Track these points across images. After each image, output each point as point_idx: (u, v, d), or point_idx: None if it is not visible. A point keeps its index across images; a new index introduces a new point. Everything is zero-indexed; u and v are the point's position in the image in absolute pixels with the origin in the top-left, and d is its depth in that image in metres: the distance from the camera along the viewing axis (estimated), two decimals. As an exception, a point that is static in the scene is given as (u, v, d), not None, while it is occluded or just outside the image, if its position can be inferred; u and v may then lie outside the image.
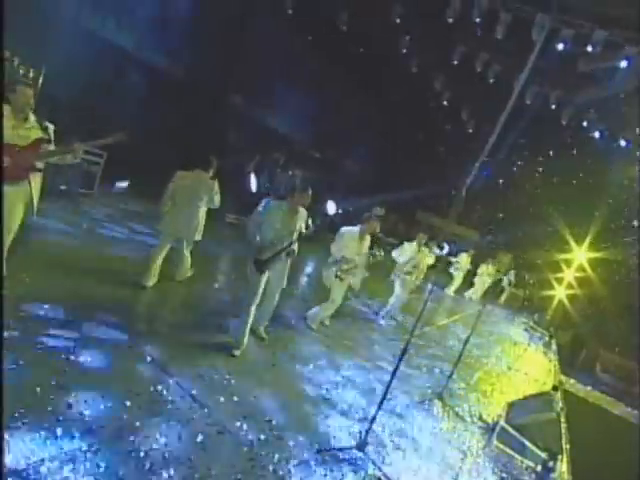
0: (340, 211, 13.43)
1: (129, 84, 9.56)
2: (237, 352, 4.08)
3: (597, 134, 13.40)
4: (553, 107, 12.78)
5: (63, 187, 6.98)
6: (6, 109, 3.33)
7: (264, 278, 4.10)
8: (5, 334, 3.05)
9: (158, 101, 9.75)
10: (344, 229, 5.30)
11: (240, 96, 12.62)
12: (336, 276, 5.21)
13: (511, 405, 4.83)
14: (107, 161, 7.73)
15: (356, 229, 5.31)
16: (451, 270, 12.47)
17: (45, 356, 3.02)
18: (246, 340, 4.19)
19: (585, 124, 12.82)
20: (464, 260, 12.44)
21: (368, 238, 5.44)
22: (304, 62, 13.19)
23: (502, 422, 4.40)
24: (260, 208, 4.08)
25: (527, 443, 4.19)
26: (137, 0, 9.32)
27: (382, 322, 7.02)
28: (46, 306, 3.62)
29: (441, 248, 11.28)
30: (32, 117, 3.49)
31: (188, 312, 4.74)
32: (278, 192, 9.09)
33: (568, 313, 13.58)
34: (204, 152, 10.82)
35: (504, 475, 3.81)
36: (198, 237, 5.18)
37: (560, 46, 9.36)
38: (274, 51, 12.04)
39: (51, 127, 3.60)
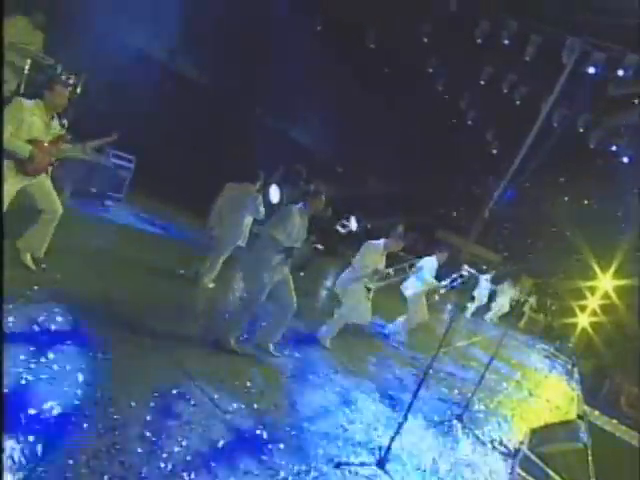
0: (358, 227, 13.41)
1: (159, 93, 9.79)
2: (234, 346, 4.07)
3: (626, 159, 13.15)
4: (581, 130, 12.64)
5: (94, 190, 7.15)
6: (40, 106, 3.49)
7: (274, 277, 4.05)
8: (49, 326, 3.12)
9: (187, 110, 9.98)
10: (369, 242, 5.28)
11: (265, 109, 12.84)
12: (368, 289, 5.15)
13: (534, 432, 4.67)
14: (137, 166, 7.91)
15: (380, 243, 5.28)
16: (475, 293, 12.19)
17: (75, 352, 3.07)
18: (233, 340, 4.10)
19: (614, 148, 12.60)
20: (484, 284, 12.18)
21: (384, 255, 5.37)
22: (330, 78, 13.36)
23: (525, 449, 4.26)
24: (283, 213, 4.10)
25: (551, 473, 4.03)
26: (171, 14, 9.63)
27: (395, 342, 6.80)
28: (67, 306, 3.69)
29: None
30: (56, 117, 3.67)
31: (211, 317, 4.76)
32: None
33: (591, 341, 13.17)
34: (230, 161, 10.98)
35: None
36: (242, 244, 5.48)
37: (591, 70, 9.26)
38: (301, 67, 12.23)
39: (66, 123, 3.78)
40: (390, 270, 5.30)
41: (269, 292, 4.06)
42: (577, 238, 13.43)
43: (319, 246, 4.35)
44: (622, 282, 13.01)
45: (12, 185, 3.48)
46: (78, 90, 6.16)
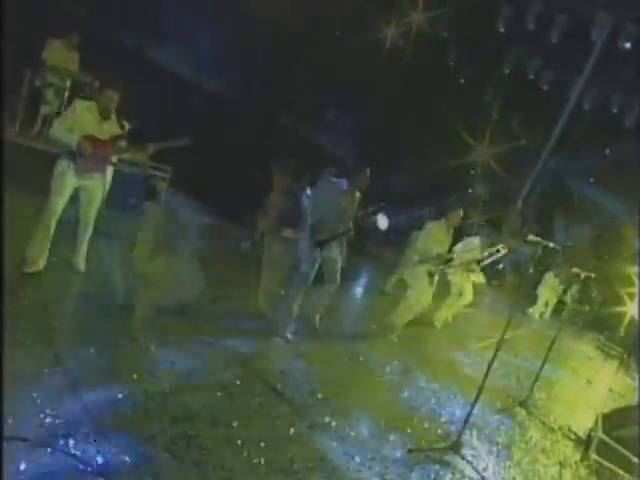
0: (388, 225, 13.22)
1: (188, 105, 10.00)
2: (290, 336, 4.03)
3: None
4: (615, 111, 12.19)
5: (131, 200, 7.31)
6: (93, 106, 3.59)
7: (317, 261, 3.98)
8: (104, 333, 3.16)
9: (216, 122, 10.14)
10: (430, 223, 5.08)
11: (292, 114, 12.92)
12: (430, 275, 4.91)
13: (606, 417, 4.41)
14: (174, 177, 8.06)
15: (442, 222, 5.05)
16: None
17: (135, 352, 3.08)
18: (292, 325, 4.09)
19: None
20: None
21: (451, 232, 5.15)
22: (350, 81, 13.36)
23: (599, 434, 4.02)
24: (316, 188, 4.04)
25: (630, 456, 3.79)
26: (195, 30, 9.85)
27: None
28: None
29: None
30: (113, 116, 3.75)
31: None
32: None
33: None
34: (259, 168, 11.03)
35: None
36: None
37: (627, 45, 8.90)
38: (324, 70, 12.29)
39: (127, 125, 3.84)
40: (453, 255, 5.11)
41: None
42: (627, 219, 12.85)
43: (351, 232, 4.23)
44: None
45: (68, 184, 3.55)
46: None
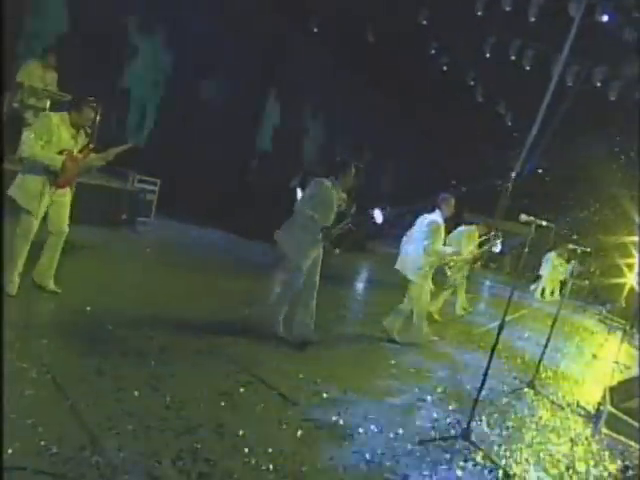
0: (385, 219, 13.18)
1: (178, 116, 9.90)
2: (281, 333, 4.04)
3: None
4: (598, 85, 12.17)
5: (124, 216, 7.23)
6: (66, 119, 3.51)
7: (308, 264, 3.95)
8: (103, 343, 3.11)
9: (203, 130, 10.04)
10: (429, 219, 4.78)
11: (280, 111, 12.86)
12: (450, 267, 4.86)
13: (614, 390, 4.40)
14: (162, 189, 7.98)
15: (438, 218, 4.76)
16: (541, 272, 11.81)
17: (136, 360, 3.03)
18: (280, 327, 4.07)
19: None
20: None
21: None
22: (338, 76, 13.31)
23: (608, 407, 4.00)
24: (312, 188, 3.95)
25: (642, 427, 3.77)
26: (196, 39, 9.73)
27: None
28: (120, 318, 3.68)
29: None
30: (82, 132, 3.67)
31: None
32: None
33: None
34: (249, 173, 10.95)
35: (627, 463, 3.42)
36: None
37: (604, 18, 8.87)
38: (312, 66, 12.25)
39: (89, 131, 3.79)
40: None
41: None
42: (615, 189, 12.83)
43: (353, 227, 4.18)
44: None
45: (45, 203, 3.48)
46: (98, 118, 6.25)
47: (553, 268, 11.94)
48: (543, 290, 12.05)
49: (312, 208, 3.86)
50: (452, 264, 4.99)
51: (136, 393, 2.66)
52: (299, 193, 10.07)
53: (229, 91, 11.25)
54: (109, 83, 9.15)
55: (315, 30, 12.51)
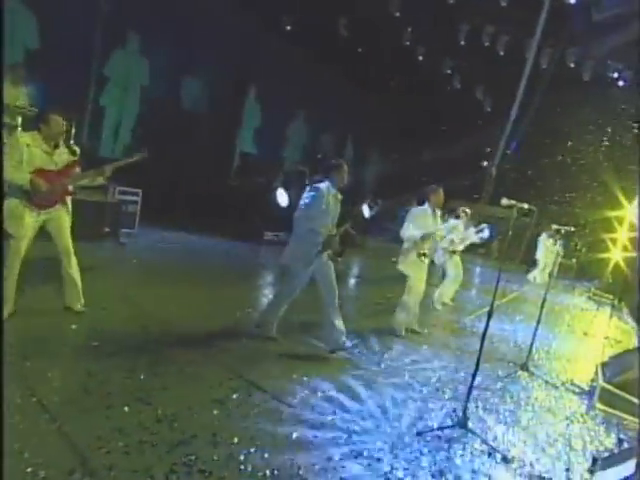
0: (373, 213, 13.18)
1: (155, 124, 9.76)
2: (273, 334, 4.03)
3: (621, 82, 12.75)
4: (572, 65, 12.31)
5: (107, 229, 7.11)
6: (37, 137, 3.42)
7: (314, 268, 3.85)
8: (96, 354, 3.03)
9: (181, 135, 9.92)
10: (413, 209, 4.95)
11: (260, 112, 12.78)
12: (419, 255, 4.76)
13: (605, 365, 4.44)
14: (144, 198, 7.86)
15: (425, 206, 4.90)
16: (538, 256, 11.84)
17: (125, 375, 2.97)
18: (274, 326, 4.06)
19: (614, 75, 12.19)
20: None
21: (439, 214, 5.04)
22: (315, 72, 13.25)
23: (601, 383, 4.04)
24: (308, 197, 3.81)
25: (635, 400, 3.81)
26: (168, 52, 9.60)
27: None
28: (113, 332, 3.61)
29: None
30: (61, 144, 3.59)
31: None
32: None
33: (631, 275, 12.66)
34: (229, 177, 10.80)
35: (621, 436, 3.45)
36: None
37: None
38: (288, 65, 12.17)
39: (77, 150, 3.69)
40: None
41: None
42: (595, 168, 13.00)
43: (352, 231, 4.04)
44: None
45: (29, 224, 3.40)
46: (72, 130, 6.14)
47: (546, 249, 12.02)
48: (541, 273, 12.08)
49: (310, 218, 3.74)
50: (426, 250, 4.91)
51: (126, 409, 2.61)
52: (281, 194, 9.94)
53: (206, 95, 11.16)
54: (83, 95, 9.01)
55: (288, 28, 12.46)
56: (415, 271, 4.86)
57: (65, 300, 3.78)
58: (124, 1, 8.63)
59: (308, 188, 3.86)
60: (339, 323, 3.94)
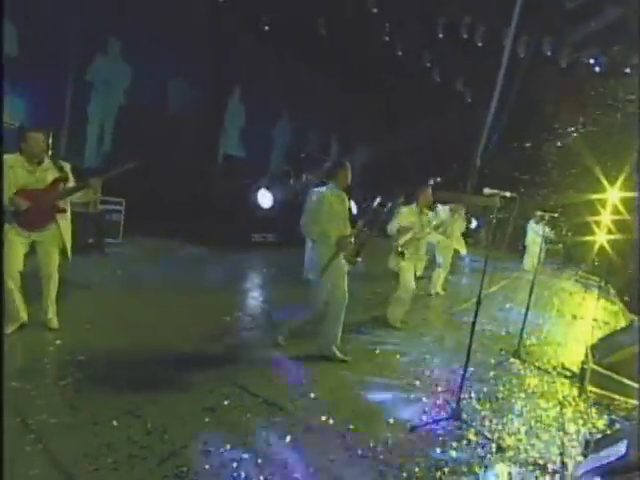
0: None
1: (136, 131, 9.60)
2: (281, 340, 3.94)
3: (597, 68, 12.92)
4: (549, 54, 12.43)
5: (91, 240, 6.99)
6: (19, 158, 3.34)
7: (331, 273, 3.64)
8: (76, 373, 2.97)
9: (163, 141, 9.79)
10: (402, 208, 4.98)
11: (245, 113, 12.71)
12: (398, 253, 4.74)
13: (594, 346, 4.48)
14: (127, 207, 7.75)
15: (413, 206, 5.00)
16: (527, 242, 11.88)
17: (112, 390, 2.91)
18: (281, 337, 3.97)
19: (589, 60, 12.33)
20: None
21: (428, 213, 5.10)
22: (296, 72, 13.19)
23: (591, 365, 4.07)
24: (311, 202, 3.64)
25: (625, 380, 3.84)
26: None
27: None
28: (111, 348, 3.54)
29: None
30: (47, 159, 3.50)
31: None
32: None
33: (616, 257, 12.84)
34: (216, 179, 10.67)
35: (613, 417, 3.48)
36: None
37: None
38: (268, 65, 12.09)
39: (67, 166, 3.59)
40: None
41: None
42: (578, 153, 13.13)
43: (366, 229, 3.93)
44: (628, 195, 12.61)
45: (19, 246, 3.34)
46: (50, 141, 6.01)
47: (534, 235, 12.11)
48: (532, 260, 12.16)
49: (318, 222, 3.56)
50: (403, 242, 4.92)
51: (115, 423, 2.55)
52: (263, 194, 9.79)
53: (189, 99, 11.03)
54: (64, 103, 8.85)
55: (266, 28, 12.37)
56: (404, 269, 4.89)
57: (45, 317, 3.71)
58: (104, 6, 8.47)
59: (310, 193, 3.71)
60: (338, 330, 3.82)
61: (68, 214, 3.59)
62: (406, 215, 4.92)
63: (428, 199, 5.05)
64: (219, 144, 12.01)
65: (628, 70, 12.53)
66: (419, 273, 6.73)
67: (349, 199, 3.87)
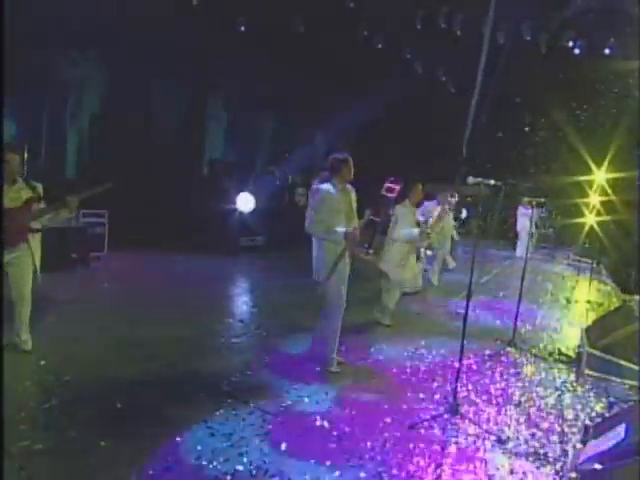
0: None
1: (115, 140, 9.45)
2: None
3: (577, 50, 13.02)
4: (528, 39, 12.49)
5: (74, 255, 6.85)
6: None
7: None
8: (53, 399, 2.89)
9: (144, 150, 9.65)
10: (399, 208, 4.87)
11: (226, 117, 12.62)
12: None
13: (589, 330, 4.48)
14: (111, 219, 7.62)
15: (406, 203, 4.89)
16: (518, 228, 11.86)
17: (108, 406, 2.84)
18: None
19: (569, 44, 12.41)
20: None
21: (414, 211, 5.03)
22: (276, 71, 13.07)
23: (586, 349, 4.07)
24: (314, 201, 3.52)
25: (622, 362, 3.85)
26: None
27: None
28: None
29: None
30: (20, 179, 3.46)
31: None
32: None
33: (607, 238, 12.96)
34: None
35: (611, 399, 3.48)
36: None
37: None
38: (247, 66, 11.96)
39: (39, 186, 3.52)
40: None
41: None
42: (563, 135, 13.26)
43: (375, 218, 3.79)
44: (616, 175, 12.74)
45: None
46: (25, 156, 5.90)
47: (524, 221, 12.15)
48: (523, 245, 12.22)
49: (324, 220, 3.42)
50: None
51: (102, 443, 2.48)
52: (244, 198, 9.64)
53: (169, 105, 10.89)
54: (40, 118, 8.70)
55: (242, 29, 12.27)
56: (397, 270, 4.83)
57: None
58: (75, 16, 8.27)
59: (313, 191, 3.57)
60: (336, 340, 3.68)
61: (39, 235, 3.52)
62: (407, 215, 4.85)
63: (419, 196, 5.00)
64: (203, 149, 11.88)
65: (607, 51, 12.66)
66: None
67: (356, 192, 3.70)
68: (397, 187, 5.04)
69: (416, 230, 4.82)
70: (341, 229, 3.45)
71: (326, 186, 3.53)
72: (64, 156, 9.37)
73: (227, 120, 12.76)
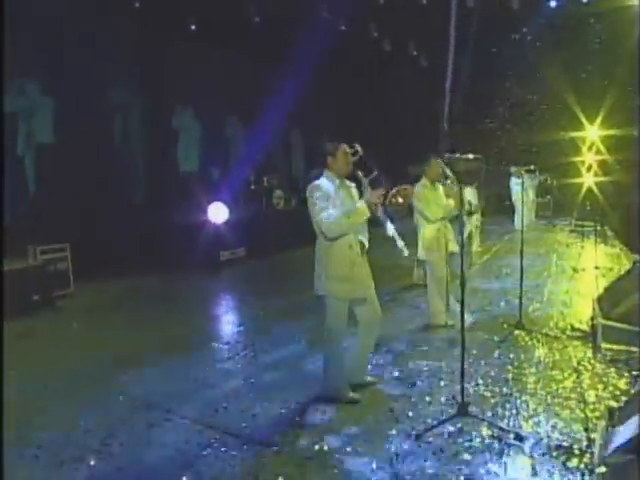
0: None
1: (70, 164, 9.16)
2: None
3: (554, 3, 13.06)
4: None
5: (36, 297, 6.58)
6: None
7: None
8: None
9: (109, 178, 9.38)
10: (418, 188, 4.65)
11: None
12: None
13: (601, 299, 4.39)
14: (74, 252, 7.35)
15: (424, 181, 4.68)
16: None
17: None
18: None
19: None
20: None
21: (439, 188, 4.76)
22: (240, 70, 12.87)
23: (600, 320, 3.96)
24: (315, 201, 3.10)
25: (638, 329, 3.74)
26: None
27: None
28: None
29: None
30: None
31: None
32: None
33: (607, 198, 12.96)
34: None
35: (634, 372, 3.37)
36: None
37: None
38: (206, 67, 11.74)
39: None
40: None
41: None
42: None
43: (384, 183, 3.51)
44: (609, 133, 12.74)
45: None
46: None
47: (518, 192, 12.07)
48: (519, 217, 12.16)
49: (327, 216, 3.03)
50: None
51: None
52: (216, 208, 9.39)
53: (135, 118, 10.62)
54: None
55: (193, 27, 12.02)
56: (437, 257, 4.64)
57: None
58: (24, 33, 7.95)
59: (308, 191, 3.19)
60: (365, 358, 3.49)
61: None
62: (426, 193, 4.63)
63: (437, 170, 4.64)
64: (174, 162, 11.59)
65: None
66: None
67: (360, 177, 3.25)
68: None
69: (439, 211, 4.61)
70: (359, 203, 3.10)
71: (320, 182, 3.18)
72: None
73: (198, 130, 12.48)
